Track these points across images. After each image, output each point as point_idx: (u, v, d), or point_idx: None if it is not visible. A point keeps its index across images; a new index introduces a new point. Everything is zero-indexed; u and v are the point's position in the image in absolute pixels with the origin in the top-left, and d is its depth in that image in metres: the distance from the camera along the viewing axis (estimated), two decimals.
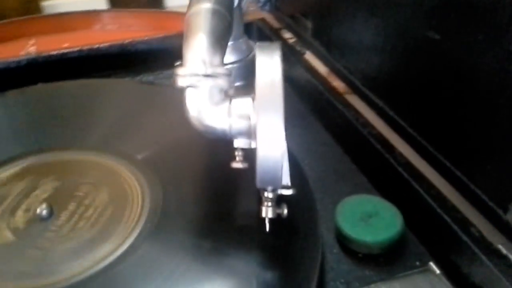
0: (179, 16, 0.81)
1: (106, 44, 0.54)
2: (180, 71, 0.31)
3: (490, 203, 0.30)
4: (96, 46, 0.54)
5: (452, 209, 0.31)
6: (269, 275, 0.30)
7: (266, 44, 0.29)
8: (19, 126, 0.42)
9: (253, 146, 0.30)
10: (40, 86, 0.48)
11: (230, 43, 0.50)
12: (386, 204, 0.34)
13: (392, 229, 0.32)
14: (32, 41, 0.79)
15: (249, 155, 0.31)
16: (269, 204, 0.30)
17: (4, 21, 0.81)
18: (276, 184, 0.28)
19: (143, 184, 0.34)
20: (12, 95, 0.46)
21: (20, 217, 0.32)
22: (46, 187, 0.34)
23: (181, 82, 0.30)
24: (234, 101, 0.30)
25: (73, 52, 0.53)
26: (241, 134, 0.30)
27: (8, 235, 0.31)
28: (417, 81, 0.35)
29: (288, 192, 0.31)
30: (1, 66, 0.51)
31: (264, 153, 0.27)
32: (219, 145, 0.32)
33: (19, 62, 0.52)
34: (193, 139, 0.36)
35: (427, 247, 0.32)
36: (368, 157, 0.38)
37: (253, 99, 0.30)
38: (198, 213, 0.33)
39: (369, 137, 0.38)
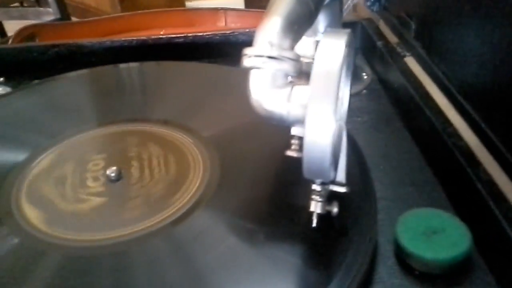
0: None
1: (210, 33, 0.56)
2: (247, 51, 0.30)
3: None
4: (201, 34, 0.56)
5: None
6: (305, 272, 0.28)
7: (335, 30, 0.28)
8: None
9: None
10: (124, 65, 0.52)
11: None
12: (456, 222, 0.30)
13: (457, 249, 0.29)
14: (162, 32, 0.85)
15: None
16: (318, 198, 0.29)
17: (140, 11, 0.89)
18: (324, 176, 0.27)
19: (205, 157, 0.36)
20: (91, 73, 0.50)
21: (95, 185, 0.34)
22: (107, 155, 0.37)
23: (246, 62, 0.30)
24: (296, 87, 0.29)
25: (179, 37, 0.56)
26: (298, 121, 0.29)
27: (98, 200, 0.33)
28: None
29: (342, 189, 0.29)
30: (116, 44, 0.56)
31: (311, 141, 0.25)
32: (282, 132, 0.32)
33: (131, 42, 0.56)
34: (258, 124, 0.36)
35: (497, 276, 0.28)
36: (450, 170, 0.34)
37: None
38: (251, 195, 0.33)
39: (454, 148, 0.34)
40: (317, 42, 0.50)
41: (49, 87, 0.48)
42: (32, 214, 0.32)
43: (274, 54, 0.29)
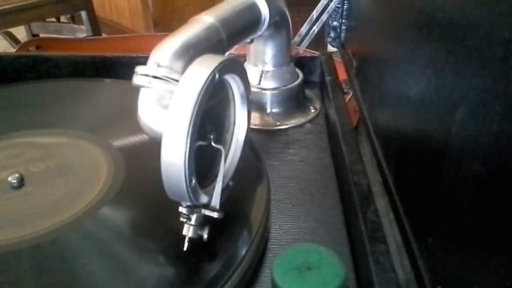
0: None
1: None
2: (137, 69, 0.31)
3: (427, 284, 0.23)
4: None
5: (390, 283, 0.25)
6: None
7: (211, 56, 0.28)
8: None
9: None
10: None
11: (272, 69, 0.49)
12: (334, 260, 0.29)
13: (327, 286, 0.27)
14: None
15: None
16: (189, 221, 0.28)
17: (148, 34, 0.91)
18: (184, 198, 0.27)
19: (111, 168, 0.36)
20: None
21: None
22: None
23: (135, 80, 0.31)
24: None
25: (141, 57, 0.57)
26: None
27: None
28: (409, 138, 0.30)
29: (215, 215, 0.29)
30: (79, 59, 0.58)
31: (165, 160, 0.25)
32: None
33: (93, 58, 0.57)
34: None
35: None
36: (349, 208, 0.34)
37: None
38: (145, 205, 0.33)
39: (354, 186, 0.33)
40: (262, 72, 0.50)
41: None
42: None
43: (159, 74, 0.30)
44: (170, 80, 0.30)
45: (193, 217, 0.28)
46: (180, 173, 0.25)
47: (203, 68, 0.26)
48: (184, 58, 0.31)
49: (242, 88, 0.31)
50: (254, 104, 0.49)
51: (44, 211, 0.32)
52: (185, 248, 0.28)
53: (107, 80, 0.52)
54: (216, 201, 0.29)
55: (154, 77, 0.30)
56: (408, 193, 0.29)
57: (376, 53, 0.40)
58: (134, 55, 0.58)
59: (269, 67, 0.49)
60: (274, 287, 0.29)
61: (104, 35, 1.52)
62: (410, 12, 0.31)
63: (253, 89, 0.49)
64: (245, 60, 0.51)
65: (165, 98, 0.30)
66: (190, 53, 0.32)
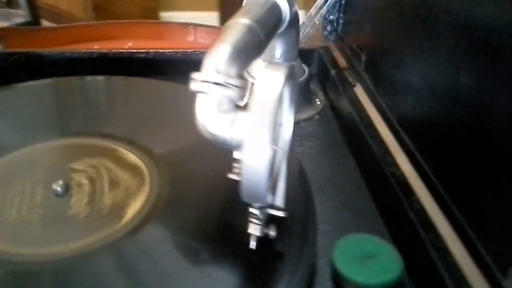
0: None
1: (171, 50, 0.57)
2: (194, 75, 0.31)
3: (492, 265, 0.26)
4: (162, 51, 0.57)
5: (452, 266, 0.28)
6: None
7: (275, 64, 0.29)
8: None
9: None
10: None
11: (279, 62, 0.50)
12: (389, 249, 0.32)
13: (388, 275, 0.30)
14: (130, 43, 0.85)
15: None
16: (256, 221, 0.30)
17: (109, 21, 0.89)
18: (261, 201, 0.28)
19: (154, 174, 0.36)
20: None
21: (40, 198, 0.34)
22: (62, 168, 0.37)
23: (193, 86, 0.31)
24: (239, 113, 0.30)
25: (140, 53, 0.57)
26: (239, 146, 0.30)
27: (41, 212, 0.33)
28: (446, 129, 0.33)
29: (280, 214, 0.30)
30: (75, 55, 0.56)
31: (248, 166, 0.26)
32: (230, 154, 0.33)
33: (91, 54, 0.56)
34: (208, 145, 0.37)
35: None
36: (387, 198, 0.36)
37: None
38: (197, 214, 0.34)
39: (391, 177, 0.36)
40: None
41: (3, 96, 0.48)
42: None
43: (219, 80, 0.31)
44: (230, 86, 0.31)
45: (261, 217, 0.30)
46: (262, 177, 0.26)
47: (277, 73, 0.27)
48: (237, 63, 0.32)
49: (292, 91, 0.33)
50: None
51: (81, 226, 0.32)
52: (254, 247, 0.30)
53: (128, 78, 0.51)
54: (281, 201, 0.30)
55: (215, 83, 0.30)
56: (456, 182, 0.32)
57: (392, 44, 0.42)
58: (133, 50, 0.57)
59: (280, 63, 0.50)
60: (338, 276, 0.31)
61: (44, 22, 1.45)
62: None
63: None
64: None
65: (223, 104, 0.31)
66: (241, 57, 0.33)
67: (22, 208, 0.33)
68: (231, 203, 0.34)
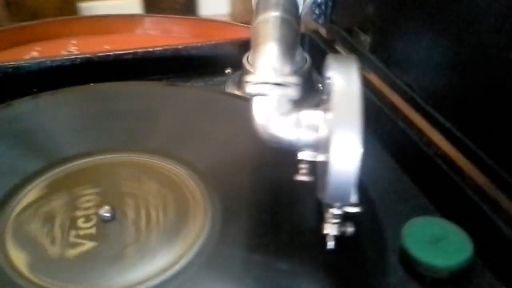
0: (219, 24, 0.81)
1: (160, 48, 0.54)
2: (250, 78, 0.30)
3: None
4: (151, 49, 0.54)
5: None
6: None
7: (340, 56, 0.28)
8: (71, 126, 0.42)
9: (318, 159, 0.29)
10: (93, 86, 0.48)
11: None
12: (455, 228, 0.32)
13: (463, 254, 0.30)
14: (74, 41, 0.80)
15: (313, 168, 0.31)
16: (334, 221, 0.29)
17: (46, 20, 0.83)
18: (346, 201, 0.27)
19: (204, 193, 0.34)
20: (64, 94, 0.46)
21: (86, 226, 0.31)
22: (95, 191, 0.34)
23: (250, 89, 0.30)
24: (303, 112, 0.29)
25: (127, 54, 0.53)
26: (308, 146, 0.29)
27: (89, 244, 0.30)
28: (489, 101, 0.34)
29: (355, 210, 0.29)
30: (56, 63, 0.52)
31: (338, 169, 0.25)
32: (279, 159, 0.32)
33: (74, 60, 0.52)
34: (253, 151, 0.36)
35: (497, 275, 0.30)
36: (432, 178, 0.36)
37: (325, 112, 0.29)
38: (258, 227, 0.32)
39: (436, 158, 0.36)
40: None
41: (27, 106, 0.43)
42: (15, 256, 0.29)
43: (279, 80, 0.29)
44: (289, 85, 0.29)
45: (340, 215, 0.29)
46: (353, 177, 0.25)
47: (349, 68, 0.27)
48: (288, 59, 0.31)
49: None
50: None
51: (132, 258, 0.29)
52: (332, 246, 0.29)
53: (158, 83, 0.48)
54: (355, 196, 0.30)
55: (275, 84, 0.29)
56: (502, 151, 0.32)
57: (404, 21, 0.42)
58: (119, 52, 0.54)
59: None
60: (413, 262, 0.31)
61: None
62: None
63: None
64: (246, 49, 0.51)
65: (283, 104, 0.29)
66: (290, 52, 0.31)
67: (70, 235, 0.30)
68: (289, 209, 0.33)
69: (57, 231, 0.31)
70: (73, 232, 0.31)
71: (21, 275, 0.28)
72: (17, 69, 0.51)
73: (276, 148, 0.30)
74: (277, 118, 0.29)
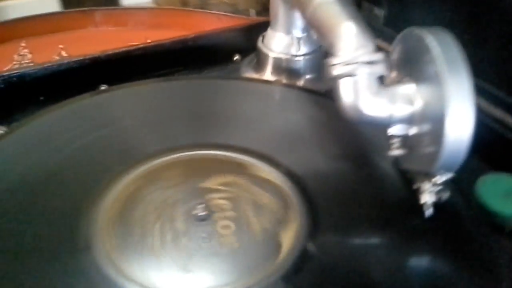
0: (175, 12, 0.78)
1: (168, 41, 0.52)
2: (334, 60, 0.30)
3: None
4: (160, 42, 0.52)
5: None
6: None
7: (433, 29, 0.29)
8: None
9: (411, 132, 0.30)
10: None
11: (304, 34, 0.49)
12: None
13: None
14: (23, 43, 0.75)
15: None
16: (434, 189, 0.30)
17: None
18: (455, 168, 0.28)
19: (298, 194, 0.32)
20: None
21: (182, 223, 0.30)
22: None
23: (337, 71, 0.30)
24: (394, 88, 0.30)
25: (138, 49, 0.51)
26: (402, 121, 0.30)
27: (184, 241, 0.29)
28: None
29: (449, 175, 0.30)
30: (63, 67, 0.49)
31: (453, 138, 0.26)
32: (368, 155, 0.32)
33: (82, 61, 0.49)
34: (342, 149, 0.36)
35: None
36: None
37: (416, 85, 0.29)
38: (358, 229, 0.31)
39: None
40: (299, 38, 0.50)
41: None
42: (112, 246, 0.28)
43: (366, 58, 0.30)
44: (376, 62, 0.30)
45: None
46: (466, 144, 0.27)
47: (446, 36, 0.27)
48: (367, 36, 0.31)
49: None
50: (287, 73, 0.50)
51: (238, 259, 0.28)
52: (431, 213, 0.30)
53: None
54: None
55: (363, 62, 0.29)
56: None
57: None
58: (128, 48, 0.51)
59: (301, 32, 0.49)
60: (487, 212, 0.33)
61: None
62: None
63: (282, 56, 0.49)
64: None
65: (372, 82, 0.30)
66: (366, 28, 0.32)
67: (166, 237, 0.29)
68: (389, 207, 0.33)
69: (151, 225, 0.30)
70: (168, 227, 0.30)
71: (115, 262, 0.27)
72: (21, 77, 0.47)
73: (366, 126, 0.31)
74: (369, 97, 0.29)
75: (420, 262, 0.29)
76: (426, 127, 0.28)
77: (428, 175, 0.30)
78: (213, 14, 0.74)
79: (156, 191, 0.32)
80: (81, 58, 0.49)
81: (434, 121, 0.27)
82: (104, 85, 0.48)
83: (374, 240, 0.31)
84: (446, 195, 0.30)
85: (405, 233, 0.31)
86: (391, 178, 0.33)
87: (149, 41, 0.53)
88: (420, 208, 0.30)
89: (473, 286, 0.27)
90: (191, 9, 0.91)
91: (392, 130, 0.30)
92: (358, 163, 0.35)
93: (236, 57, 0.55)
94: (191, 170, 0.34)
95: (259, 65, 0.51)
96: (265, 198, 0.32)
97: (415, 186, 0.31)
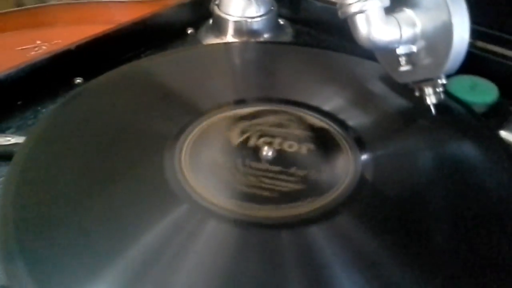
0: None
1: (129, 23, 0.53)
2: (349, 0, 0.36)
3: None
4: (122, 27, 0.53)
5: None
6: None
7: None
8: None
9: (415, 49, 0.38)
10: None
11: None
12: (483, 80, 0.44)
13: (491, 95, 0.43)
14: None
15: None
16: (436, 90, 0.38)
17: None
18: (457, 66, 0.36)
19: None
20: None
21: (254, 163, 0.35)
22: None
23: (352, 9, 0.36)
24: (397, 15, 0.37)
25: (103, 36, 0.51)
26: (408, 41, 0.37)
27: (255, 178, 0.33)
28: None
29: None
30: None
31: (458, 39, 0.34)
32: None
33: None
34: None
35: None
36: None
37: (413, 10, 0.37)
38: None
39: None
40: (256, 0, 0.55)
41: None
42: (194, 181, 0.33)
43: None
44: None
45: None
46: (465, 46, 0.35)
47: None
48: None
49: None
50: (247, 35, 0.55)
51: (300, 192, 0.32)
52: (435, 113, 0.38)
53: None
54: None
55: None
56: None
57: None
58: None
59: None
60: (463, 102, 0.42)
61: None
62: None
63: (242, 19, 0.54)
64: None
65: (380, 13, 0.36)
66: None
67: (237, 168, 0.34)
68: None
69: (225, 163, 0.34)
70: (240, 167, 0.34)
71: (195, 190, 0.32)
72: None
73: (379, 51, 0.38)
74: (381, 26, 0.36)
75: None
76: (429, 41, 0.36)
77: (429, 82, 0.38)
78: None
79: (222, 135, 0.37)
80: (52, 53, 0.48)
81: (438, 33, 0.35)
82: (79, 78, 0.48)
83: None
84: (442, 96, 0.39)
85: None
86: None
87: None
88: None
89: None
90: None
91: (400, 50, 0.37)
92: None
93: (190, 31, 0.58)
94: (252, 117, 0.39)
95: (219, 31, 0.55)
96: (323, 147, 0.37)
97: (417, 94, 0.39)
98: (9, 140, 0.39)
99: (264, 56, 0.50)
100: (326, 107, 0.40)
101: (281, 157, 0.35)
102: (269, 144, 0.36)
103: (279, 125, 0.38)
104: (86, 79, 0.47)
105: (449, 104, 0.40)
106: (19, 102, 0.46)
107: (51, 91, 0.47)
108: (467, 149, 0.37)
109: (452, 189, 0.33)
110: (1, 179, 0.35)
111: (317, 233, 0.29)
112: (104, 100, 0.41)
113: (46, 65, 0.48)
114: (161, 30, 0.56)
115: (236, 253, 0.28)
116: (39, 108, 0.46)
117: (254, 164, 0.34)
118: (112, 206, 0.30)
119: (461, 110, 0.41)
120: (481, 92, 0.43)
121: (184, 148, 0.35)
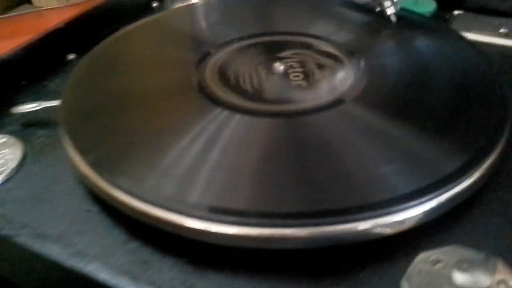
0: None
1: (103, 3, 0.57)
2: None
3: None
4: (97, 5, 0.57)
5: None
6: None
7: None
8: None
9: None
10: None
11: None
12: None
13: (432, 6, 0.53)
14: None
15: None
16: (393, 0, 0.47)
17: None
18: None
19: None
20: None
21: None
22: None
23: None
24: None
25: (82, 16, 0.55)
26: None
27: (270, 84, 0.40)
28: None
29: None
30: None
31: None
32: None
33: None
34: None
35: None
36: None
37: None
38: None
39: None
40: None
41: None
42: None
43: None
44: None
45: None
46: None
47: None
48: None
49: None
50: None
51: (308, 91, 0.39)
52: (395, 20, 0.47)
53: None
54: None
55: None
56: None
57: None
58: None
59: None
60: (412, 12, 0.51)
61: None
62: None
63: None
64: None
65: None
66: None
67: (253, 82, 0.40)
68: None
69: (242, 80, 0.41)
70: (254, 79, 0.41)
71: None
72: None
73: None
74: None
75: None
76: None
77: None
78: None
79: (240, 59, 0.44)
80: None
81: None
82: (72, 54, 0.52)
83: None
84: (399, 6, 0.48)
85: None
86: None
87: None
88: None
89: None
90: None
91: None
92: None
93: (155, 4, 0.63)
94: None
95: None
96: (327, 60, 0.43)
97: (377, 10, 0.48)
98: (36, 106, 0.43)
99: None
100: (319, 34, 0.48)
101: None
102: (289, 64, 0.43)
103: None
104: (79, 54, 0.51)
105: (402, 13, 0.50)
106: (23, 82, 0.49)
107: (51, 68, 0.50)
108: (430, 40, 0.47)
109: (431, 69, 0.42)
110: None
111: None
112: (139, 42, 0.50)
113: (40, 45, 0.51)
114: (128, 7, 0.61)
115: (270, 142, 0.34)
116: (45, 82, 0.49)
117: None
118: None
119: (414, 16, 0.50)
120: (423, 4, 0.53)
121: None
